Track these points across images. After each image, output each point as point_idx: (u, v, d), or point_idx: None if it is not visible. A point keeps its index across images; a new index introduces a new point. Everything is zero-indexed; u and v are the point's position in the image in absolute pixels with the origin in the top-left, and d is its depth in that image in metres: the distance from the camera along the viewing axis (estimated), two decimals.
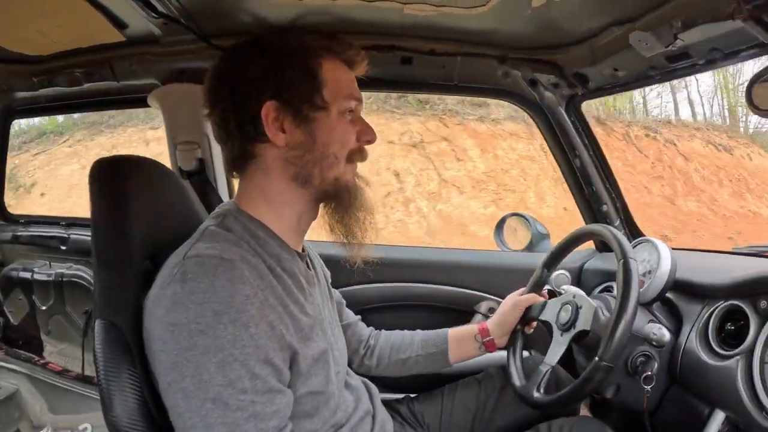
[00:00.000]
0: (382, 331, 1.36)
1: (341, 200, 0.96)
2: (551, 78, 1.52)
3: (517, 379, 1.24)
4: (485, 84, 1.64)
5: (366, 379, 1.21)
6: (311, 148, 0.90)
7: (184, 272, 0.77)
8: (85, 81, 1.61)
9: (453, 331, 1.32)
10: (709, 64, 1.17)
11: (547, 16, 1.23)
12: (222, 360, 0.73)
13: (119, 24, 1.33)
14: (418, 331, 1.35)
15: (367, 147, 0.99)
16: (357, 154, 0.96)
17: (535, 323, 1.33)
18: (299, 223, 0.97)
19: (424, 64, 1.50)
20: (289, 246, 0.94)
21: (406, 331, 1.36)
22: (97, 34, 1.40)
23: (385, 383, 1.26)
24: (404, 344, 1.31)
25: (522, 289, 1.36)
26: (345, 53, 0.95)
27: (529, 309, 1.31)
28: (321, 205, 0.98)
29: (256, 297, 0.78)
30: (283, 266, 0.89)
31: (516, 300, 1.32)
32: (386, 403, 1.27)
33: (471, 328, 1.32)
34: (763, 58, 1.08)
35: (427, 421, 1.31)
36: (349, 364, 1.27)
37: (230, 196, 1.71)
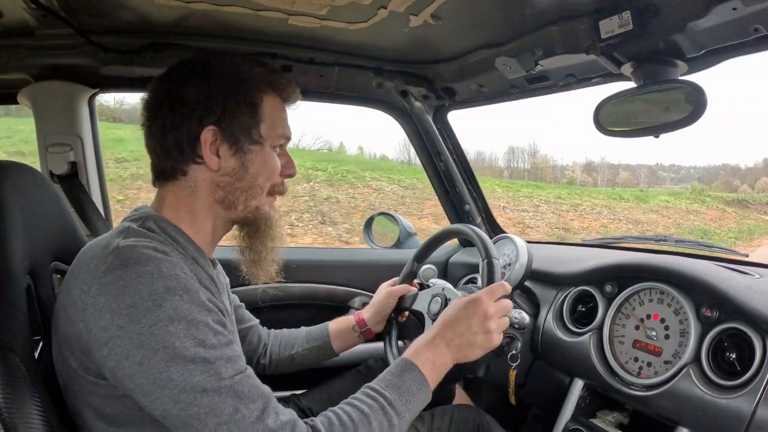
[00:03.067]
0: (271, 330, 1.39)
1: (257, 228, 1.00)
2: (421, 90, 1.62)
3: (390, 355, 1.32)
4: (360, 93, 1.70)
5: None
6: (241, 177, 0.93)
7: (125, 259, 0.77)
8: None
9: (333, 324, 1.37)
10: (564, 86, 1.36)
11: (423, 34, 1.32)
12: (187, 325, 0.76)
13: None
14: (303, 327, 1.39)
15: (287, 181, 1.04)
16: (279, 187, 1.01)
17: (407, 312, 1.40)
18: (215, 236, 1.00)
19: (303, 71, 1.51)
20: (204, 253, 0.97)
21: (292, 329, 1.39)
22: None
23: (274, 382, 1.26)
24: (290, 340, 1.36)
25: (394, 279, 1.43)
26: (284, 90, 0.99)
27: (402, 299, 1.38)
28: (236, 227, 1.02)
29: (194, 277, 0.83)
30: (203, 269, 0.92)
31: (390, 290, 1.38)
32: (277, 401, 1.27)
33: (348, 319, 1.38)
34: (609, 84, 1.28)
35: (316, 413, 1.33)
36: (249, 363, 1.27)
37: (104, 202, 1.59)
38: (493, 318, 0.99)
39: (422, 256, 1.41)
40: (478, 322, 0.98)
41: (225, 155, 0.91)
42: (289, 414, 0.83)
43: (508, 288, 1.06)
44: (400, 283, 1.40)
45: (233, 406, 0.76)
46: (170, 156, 0.91)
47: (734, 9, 0.84)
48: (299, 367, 1.36)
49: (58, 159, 1.47)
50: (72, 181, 1.47)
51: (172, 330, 0.75)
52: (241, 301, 1.33)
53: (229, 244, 1.09)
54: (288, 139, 1.00)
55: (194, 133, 0.89)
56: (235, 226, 1.02)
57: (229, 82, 0.91)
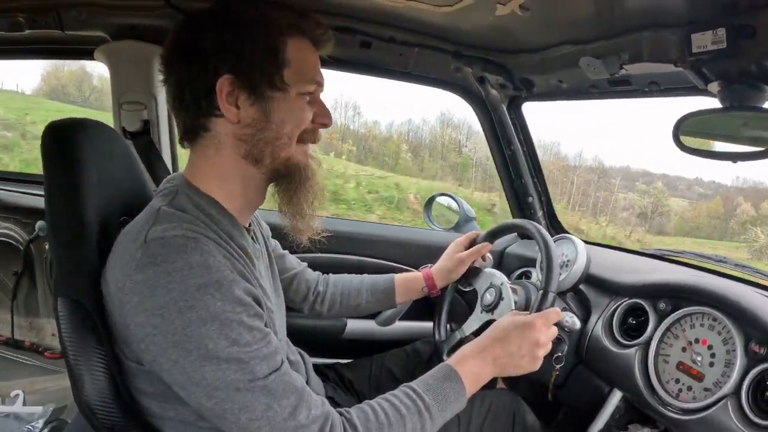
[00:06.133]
0: (330, 276, 1.42)
1: (292, 181, 0.95)
2: (499, 79, 1.60)
3: (437, 333, 1.39)
4: (437, 76, 1.70)
5: (302, 351, 1.26)
6: (264, 127, 0.88)
7: (153, 255, 0.77)
8: (28, 27, 1.46)
9: (399, 278, 1.41)
10: (646, 93, 1.31)
11: (507, 24, 1.29)
12: (220, 325, 0.76)
13: None
14: (365, 276, 1.42)
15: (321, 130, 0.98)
16: (309, 135, 0.95)
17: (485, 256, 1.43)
18: (249, 200, 0.97)
19: (382, 49, 1.52)
20: (238, 222, 0.95)
21: (353, 276, 1.42)
22: None
23: (318, 350, 1.33)
24: (353, 291, 1.38)
25: (468, 238, 1.43)
26: (313, 32, 0.93)
27: (467, 271, 1.39)
28: (272, 185, 0.98)
29: (227, 264, 0.81)
30: (236, 242, 0.90)
31: (459, 256, 1.38)
32: (317, 368, 1.34)
33: (416, 275, 1.42)
34: (693, 98, 1.23)
35: (357, 387, 1.40)
36: (300, 310, 1.37)
37: (173, 160, 1.67)
38: (543, 346, 1.00)
39: (496, 235, 1.42)
40: (528, 347, 0.99)
41: (244, 105, 0.87)
42: (322, 406, 0.84)
43: (559, 314, 1.07)
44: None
45: (266, 403, 0.78)
46: (189, 111, 0.88)
47: None
48: (361, 314, 1.42)
49: (132, 116, 1.55)
50: (144, 138, 1.55)
51: (205, 331, 0.75)
52: None
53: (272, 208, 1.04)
54: (319, 84, 0.94)
55: (210, 84, 0.85)
56: (271, 185, 0.98)
57: (247, 27, 0.86)
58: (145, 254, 0.78)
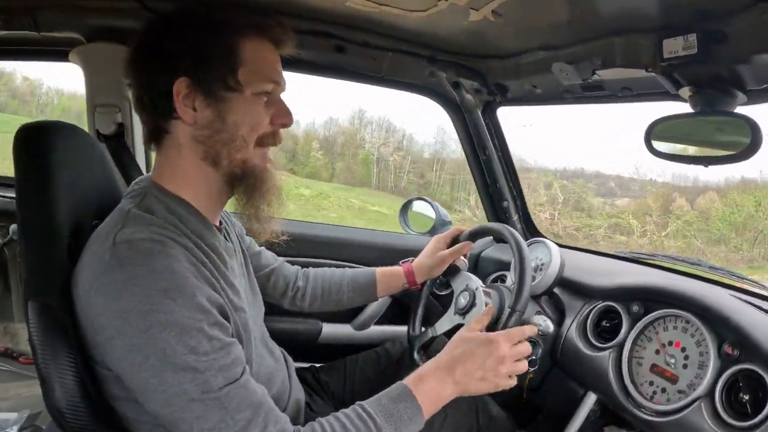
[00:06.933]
0: (310, 270, 1.42)
1: (248, 183, 0.94)
2: (474, 84, 1.61)
3: (411, 328, 1.40)
4: (412, 80, 1.71)
5: (284, 351, 1.25)
6: (220, 129, 0.88)
7: (120, 258, 0.77)
8: (3, 28, 1.43)
9: (381, 272, 1.42)
10: (619, 99, 1.33)
11: (481, 29, 1.30)
12: (180, 331, 0.76)
13: None
14: (346, 270, 1.43)
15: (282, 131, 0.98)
16: (269, 138, 0.95)
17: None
18: (216, 199, 0.97)
19: (356, 54, 1.52)
20: (208, 221, 0.95)
21: (334, 270, 1.43)
22: None
23: (296, 354, 1.33)
24: (334, 285, 1.39)
25: (447, 236, 1.44)
26: (273, 32, 0.93)
27: (448, 269, 1.40)
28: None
29: (192, 270, 0.81)
30: (206, 242, 0.90)
31: (440, 241, 1.41)
32: (296, 372, 1.32)
33: (396, 270, 1.43)
34: (665, 103, 1.25)
35: (332, 389, 1.39)
36: (280, 305, 1.37)
37: (147, 163, 1.64)
38: (506, 363, 0.98)
39: (476, 236, 1.42)
40: (491, 364, 0.97)
41: (200, 107, 0.87)
42: (282, 424, 0.83)
43: (532, 331, 1.06)
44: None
45: (219, 416, 0.77)
46: (150, 114, 0.90)
47: None
48: (343, 308, 1.43)
49: (106, 119, 1.52)
50: (118, 141, 1.53)
51: (164, 336, 0.75)
52: None
53: None
54: (277, 84, 0.93)
55: (168, 86, 0.85)
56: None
57: (204, 29, 0.87)
58: (113, 256, 0.78)
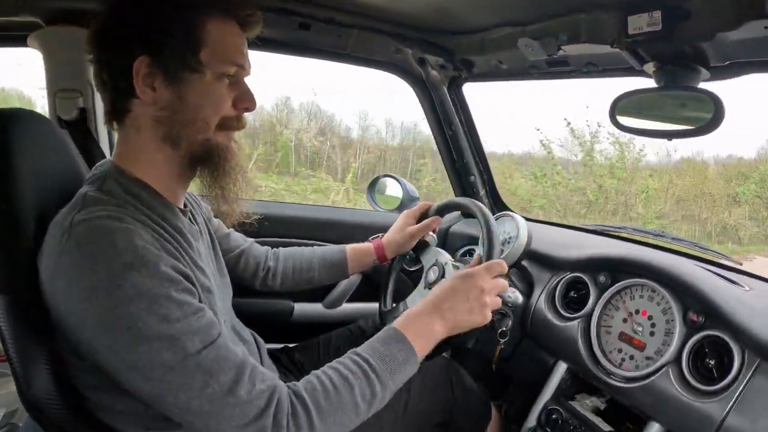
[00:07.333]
0: (280, 249, 1.41)
1: (211, 163, 0.92)
2: (439, 60, 1.60)
3: (382, 304, 1.40)
4: (377, 57, 1.68)
5: (255, 333, 1.25)
6: (179, 110, 0.86)
7: (78, 238, 0.76)
8: None
9: (351, 250, 1.42)
10: (584, 74, 1.34)
11: (446, 5, 1.29)
12: (149, 302, 0.74)
13: None
14: (316, 249, 1.43)
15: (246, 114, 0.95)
16: (233, 121, 0.93)
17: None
18: (178, 180, 0.95)
19: (321, 31, 1.48)
20: (171, 203, 0.93)
21: (304, 249, 1.43)
22: None
23: (268, 335, 1.33)
24: (305, 264, 1.39)
25: (416, 211, 1.44)
26: (238, 13, 0.91)
27: (417, 245, 1.40)
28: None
29: (155, 243, 0.79)
30: (170, 224, 0.89)
31: (410, 230, 1.39)
32: (269, 353, 1.32)
33: (367, 244, 1.44)
34: (629, 78, 1.26)
35: (307, 368, 1.38)
36: (252, 286, 1.36)
37: (111, 147, 1.58)
38: (488, 293, 0.98)
39: (444, 211, 1.42)
40: (474, 295, 0.97)
41: (160, 87, 0.85)
42: (270, 380, 0.81)
43: (505, 267, 1.04)
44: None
45: (203, 380, 0.75)
46: (110, 93, 0.88)
47: (766, 27, 0.82)
48: (315, 286, 1.43)
49: (68, 104, 1.46)
50: (80, 126, 1.47)
51: (133, 310, 0.73)
52: None
53: None
54: (240, 66, 0.90)
55: (128, 65, 0.83)
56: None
57: (164, 7, 0.85)
58: (70, 238, 0.76)
